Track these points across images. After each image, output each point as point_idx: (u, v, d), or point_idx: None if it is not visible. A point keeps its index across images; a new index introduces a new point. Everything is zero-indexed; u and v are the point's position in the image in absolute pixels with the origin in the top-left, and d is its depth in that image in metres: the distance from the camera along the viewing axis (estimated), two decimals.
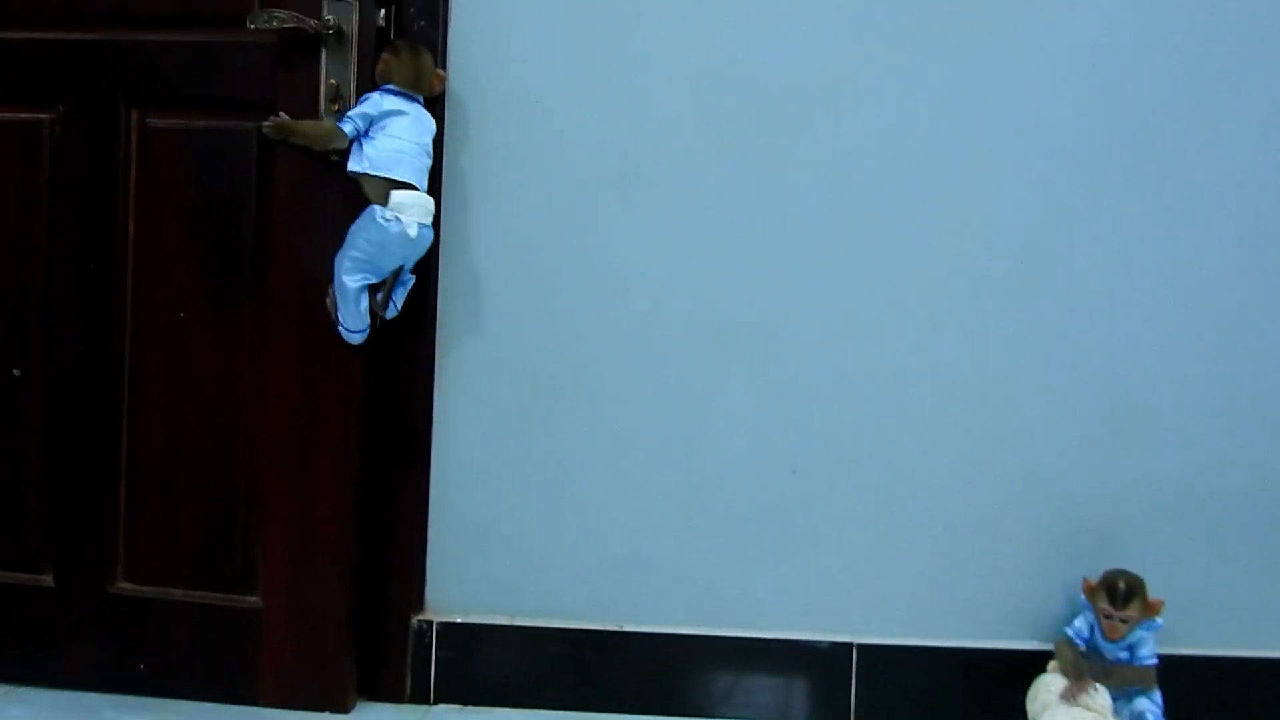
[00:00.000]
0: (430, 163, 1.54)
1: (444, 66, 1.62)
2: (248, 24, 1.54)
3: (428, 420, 1.66)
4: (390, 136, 1.49)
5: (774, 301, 1.61)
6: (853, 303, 1.60)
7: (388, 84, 1.52)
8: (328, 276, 1.53)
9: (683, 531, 1.64)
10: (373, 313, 1.55)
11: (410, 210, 1.48)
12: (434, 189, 1.61)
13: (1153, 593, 1.51)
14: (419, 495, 1.67)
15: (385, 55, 1.53)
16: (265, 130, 1.54)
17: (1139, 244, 1.58)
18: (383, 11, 1.56)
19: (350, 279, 1.51)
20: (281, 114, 1.54)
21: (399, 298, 1.58)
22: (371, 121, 1.49)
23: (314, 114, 1.56)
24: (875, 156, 1.59)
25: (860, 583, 1.63)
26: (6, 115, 1.68)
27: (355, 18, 1.55)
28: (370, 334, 1.55)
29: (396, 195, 1.48)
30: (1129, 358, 1.59)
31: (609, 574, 1.65)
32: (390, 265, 1.52)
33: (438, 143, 1.59)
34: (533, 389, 1.65)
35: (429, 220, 1.51)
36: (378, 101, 1.50)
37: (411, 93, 1.53)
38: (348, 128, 1.49)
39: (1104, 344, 1.58)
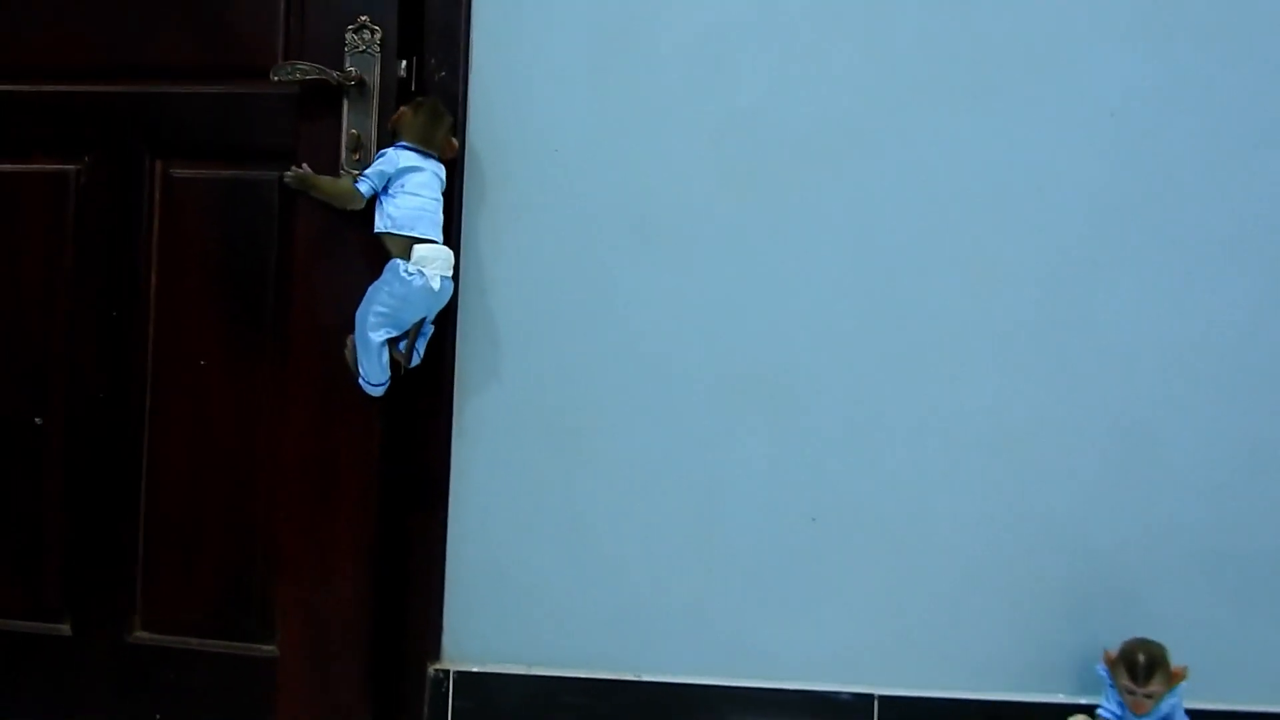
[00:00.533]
0: (442, 209, 1.54)
1: (464, 116, 1.64)
2: (271, 76, 1.56)
3: (445, 469, 1.66)
4: (410, 194, 1.50)
5: (792, 351, 1.61)
6: (872, 352, 1.60)
7: (400, 138, 1.53)
8: (348, 328, 1.54)
9: (701, 580, 1.63)
10: (395, 363, 1.55)
11: (434, 264, 1.50)
12: (453, 238, 1.62)
13: (1177, 646, 1.48)
14: (436, 544, 1.66)
15: (405, 108, 1.54)
16: (287, 181, 1.55)
17: (1161, 294, 1.57)
18: (404, 63, 1.58)
19: (375, 334, 1.51)
20: (304, 166, 1.55)
21: (420, 347, 1.59)
22: (389, 179, 1.50)
23: (335, 163, 1.57)
24: (894, 207, 1.59)
25: (881, 633, 1.61)
26: (35, 167, 1.71)
27: (377, 69, 1.56)
28: (391, 385, 1.55)
29: (420, 249, 1.49)
30: (1151, 408, 1.57)
31: (626, 623, 1.64)
32: (413, 318, 1.53)
33: (455, 192, 1.61)
34: (550, 438, 1.65)
35: (449, 272, 1.53)
36: (393, 159, 1.51)
37: (424, 150, 1.53)
38: (364, 187, 1.50)
39: (1126, 395, 1.57)
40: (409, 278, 1.49)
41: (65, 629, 1.69)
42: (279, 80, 1.55)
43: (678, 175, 1.62)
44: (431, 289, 1.50)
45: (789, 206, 1.60)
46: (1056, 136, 1.57)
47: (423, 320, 1.55)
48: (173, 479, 1.67)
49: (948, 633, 1.60)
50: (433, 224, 1.52)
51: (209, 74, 1.65)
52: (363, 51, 1.54)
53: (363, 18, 1.53)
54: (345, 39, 1.53)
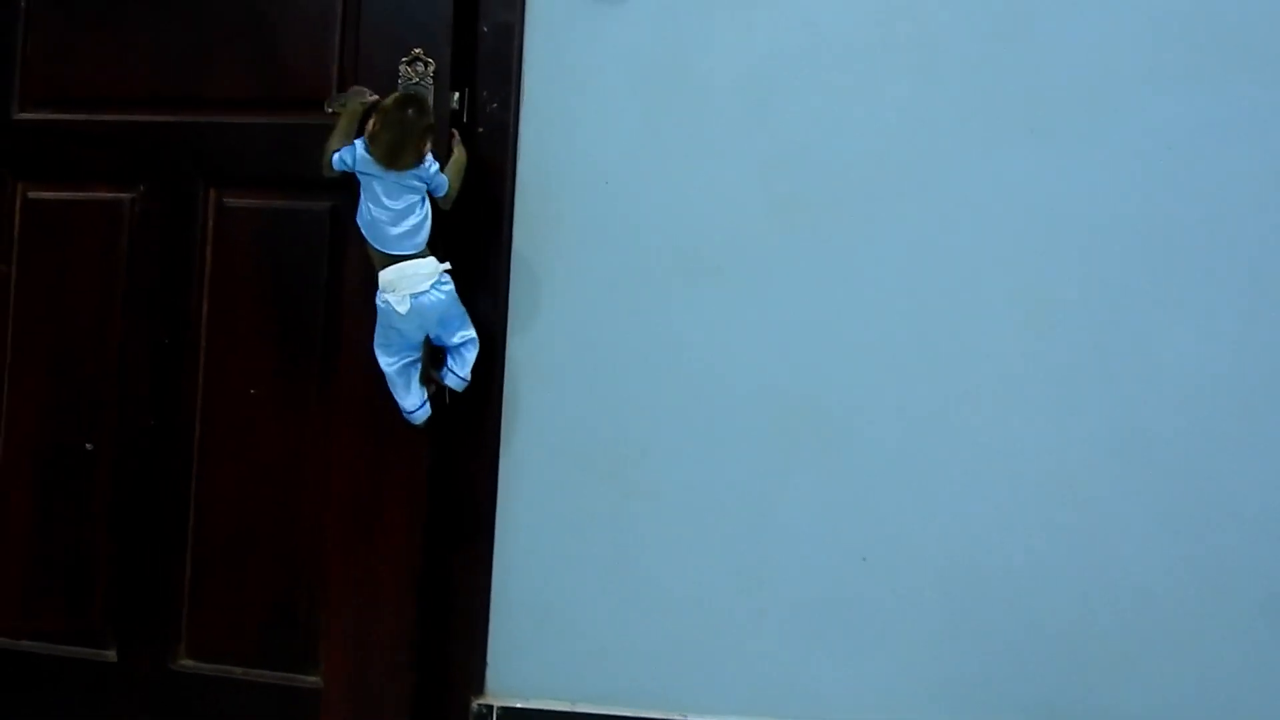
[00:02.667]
0: (425, 216, 1.44)
1: (515, 148, 1.63)
2: (325, 107, 1.56)
3: (491, 502, 1.65)
4: (368, 203, 1.43)
5: (844, 386, 1.59)
6: (925, 389, 1.57)
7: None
8: None
9: (749, 618, 1.60)
10: (439, 386, 1.54)
11: (399, 285, 1.43)
12: (501, 267, 1.63)
13: (1236, 694, 1.43)
14: (481, 578, 1.65)
15: (374, 115, 1.42)
16: (327, 106, 1.50)
17: (1223, 333, 1.53)
18: (456, 95, 1.58)
19: (382, 359, 1.50)
20: (359, 90, 1.49)
21: (459, 367, 1.55)
22: (354, 170, 1.43)
23: None
24: (945, 243, 1.56)
25: (932, 675, 1.58)
26: (90, 195, 1.73)
27: (430, 101, 1.56)
28: (437, 409, 1.55)
29: (384, 275, 1.43)
30: (1213, 454, 1.53)
31: (672, 661, 1.62)
32: (405, 341, 1.49)
33: (505, 222, 1.61)
34: (597, 472, 1.63)
35: (427, 285, 1.44)
36: (356, 155, 1.42)
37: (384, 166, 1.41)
38: (336, 161, 1.44)
39: (1186, 439, 1.53)
40: (381, 307, 1.45)
41: (111, 655, 1.70)
42: (332, 111, 1.56)
43: (728, 208, 1.60)
44: (397, 312, 1.44)
45: (840, 240, 1.59)
46: (1112, 172, 1.54)
47: (427, 340, 1.51)
48: (220, 507, 1.67)
49: (1000, 676, 1.56)
50: (388, 239, 1.42)
51: (263, 104, 1.67)
52: (416, 83, 1.55)
53: (416, 50, 1.54)
54: (399, 71, 1.53)
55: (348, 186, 1.58)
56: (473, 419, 1.63)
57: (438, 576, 1.63)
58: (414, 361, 1.52)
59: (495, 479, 1.65)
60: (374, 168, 1.42)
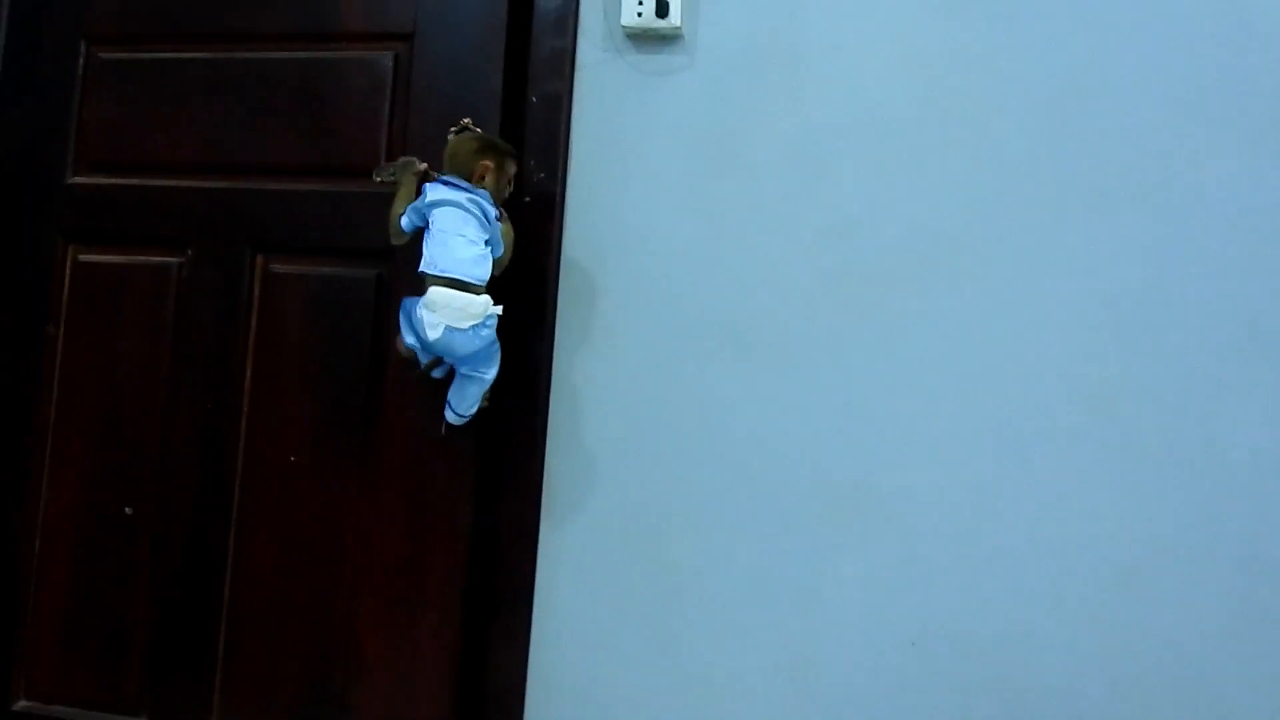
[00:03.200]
0: (490, 254, 1.44)
1: (562, 219, 1.63)
2: (374, 176, 1.57)
3: (530, 576, 1.62)
4: (438, 230, 1.43)
5: (892, 467, 1.55)
6: (978, 470, 1.53)
7: (444, 178, 1.47)
8: (438, 430, 1.52)
9: (794, 706, 1.56)
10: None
11: (441, 311, 1.41)
12: (545, 337, 1.61)
13: None
14: (518, 654, 1.61)
15: (485, 161, 1.47)
16: (376, 176, 1.54)
17: None
18: None
19: (405, 335, 1.47)
20: (407, 158, 1.53)
21: (458, 403, 1.51)
22: (423, 217, 1.46)
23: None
24: (1001, 319, 1.53)
25: None
26: (139, 259, 1.74)
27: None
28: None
29: (431, 291, 1.41)
30: None
31: None
32: (426, 349, 1.46)
33: (550, 294, 1.60)
34: (638, 550, 1.60)
35: (466, 325, 1.41)
36: (425, 194, 1.46)
37: (470, 185, 1.45)
38: (405, 223, 1.48)
39: (1255, 523, 1.47)
40: (419, 314, 1.42)
41: None
42: (380, 180, 1.57)
43: (777, 281, 1.58)
44: (427, 336, 1.42)
45: (891, 316, 1.56)
46: (1174, 249, 1.50)
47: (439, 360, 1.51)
48: (258, 575, 1.66)
49: None
50: (456, 261, 1.41)
51: (311, 172, 1.68)
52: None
53: (465, 120, 1.54)
54: (448, 140, 1.53)
55: (392, 255, 1.59)
56: (513, 491, 1.61)
57: (474, 652, 1.60)
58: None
59: (535, 553, 1.62)
60: (445, 192, 1.44)
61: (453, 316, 1.40)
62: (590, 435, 1.62)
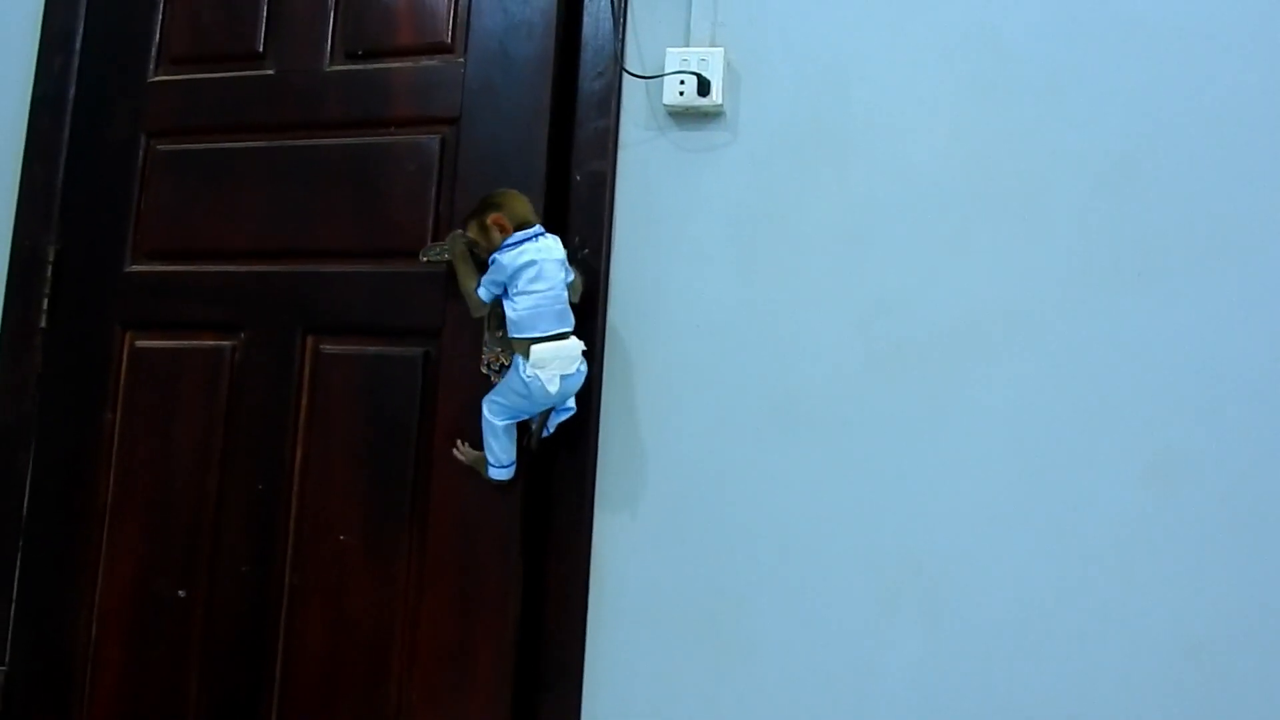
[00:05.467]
0: (567, 300, 1.51)
1: (606, 294, 1.64)
2: (420, 257, 1.60)
3: (580, 653, 1.60)
4: (524, 294, 1.48)
5: (949, 542, 1.51)
6: (1037, 547, 1.49)
7: (510, 232, 1.50)
8: (486, 512, 1.53)
9: None
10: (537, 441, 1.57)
11: (551, 365, 1.48)
12: (591, 412, 1.62)
13: None
14: None
15: (492, 216, 1.51)
16: (428, 255, 1.61)
17: None
18: None
19: (497, 420, 1.53)
20: (453, 236, 1.58)
21: (552, 423, 1.58)
22: (503, 285, 1.50)
23: (479, 343, 1.59)
24: (1055, 394, 1.50)
25: None
26: (193, 343, 1.77)
27: None
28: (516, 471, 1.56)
29: (536, 351, 1.47)
30: None
31: None
32: (533, 412, 1.54)
33: (595, 369, 1.61)
34: (688, 625, 1.57)
35: (572, 368, 1.49)
36: (504, 265, 1.49)
37: (530, 229, 1.51)
38: (484, 294, 1.52)
39: None
40: (528, 379, 1.48)
41: None
42: (427, 260, 1.59)
43: (824, 357, 1.57)
44: (548, 391, 1.48)
45: (942, 392, 1.53)
46: (1229, 321, 1.46)
47: (549, 410, 1.55)
48: (308, 656, 1.65)
49: None
50: (552, 317, 1.49)
51: (361, 255, 1.70)
52: None
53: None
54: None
55: (439, 333, 1.62)
56: (561, 570, 1.60)
57: None
58: (521, 421, 1.55)
59: (584, 630, 1.60)
60: (530, 252, 1.49)
61: (563, 366, 1.49)
62: (637, 512, 1.61)
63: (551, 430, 1.59)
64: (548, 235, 1.52)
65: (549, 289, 1.49)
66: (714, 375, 1.60)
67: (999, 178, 1.55)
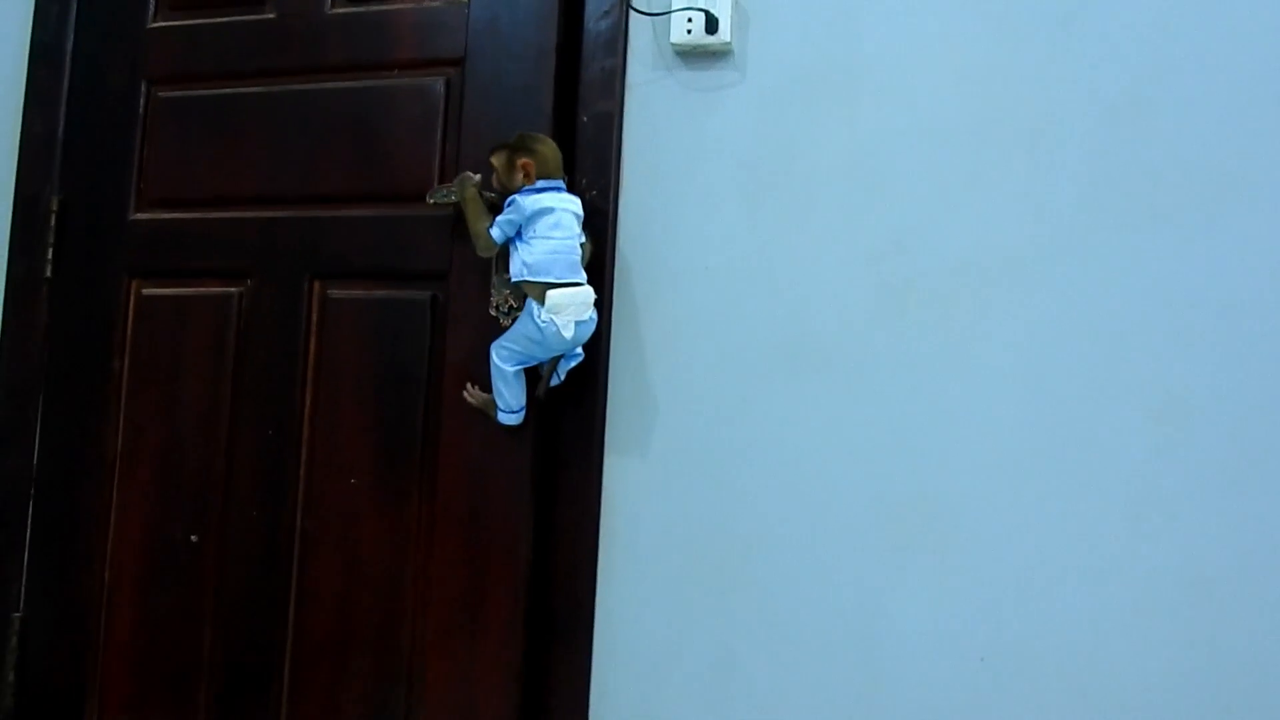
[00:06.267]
0: (581, 251, 1.52)
1: (614, 236, 1.63)
2: (427, 200, 1.59)
3: (591, 597, 1.61)
4: (542, 238, 1.48)
5: (957, 483, 1.51)
6: (1044, 488, 1.49)
7: (533, 181, 1.51)
8: (496, 453, 1.53)
9: None
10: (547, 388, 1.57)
11: (566, 310, 1.48)
12: (600, 356, 1.62)
13: None
14: (580, 679, 1.60)
15: (523, 159, 1.51)
16: (435, 197, 1.58)
17: None
18: None
19: (507, 366, 1.53)
20: (469, 174, 1.56)
21: (562, 370, 1.58)
22: (520, 227, 1.50)
23: (486, 284, 1.59)
24: (1066, 334, 1.49)
25: None
26: (200, 290, 1.78)
27: None
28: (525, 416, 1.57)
29: (553, 295, 1.47)
30: None
31: None
32: (545, 357, 1.54)
33: (604, 313, 1.60)
34: (699, 567, 1.58)
35: (586, 315, 1.50)
36: (523, 206, 1.49)
37: (554, 181, 1.52)
38: (496, 234, 1.51)
39: None
40: (543, 324, 1.48)
41: None
42: (434, 203, 1.58)
43: (834, 297, 1.57)
44: (563, 336, 1.49)
45: (953, 331, 1.53)
46: (1241, 256, 1.45)
47: (559, 356, 1.55)
48: (321, 600, 1.66)
49: None
50: (568, 265, 1.49)
51: (367, 199, 1.70)
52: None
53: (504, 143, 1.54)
54: (493, 162, 1.54)
55: (446, 276, 1.62)
56: (571, 512, 1.61)
57: (536, 675, 1.59)
58: (530, 366, 1.55)
59: (594, 573, 1.61)
60: (549, 199, 1.49)
61: (578, 312, 1.49)
62: (648, 455, 1.61)
63: (562, 378, 1.59)
64: (569, 192, 1.52)
65: (566, 238, 1.49)
66: (723, 317, 1.60)
67: (1009, 115, 1.53)
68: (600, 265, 1.61)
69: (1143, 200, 1.49)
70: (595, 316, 1.52)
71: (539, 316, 1.48)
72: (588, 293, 1.50)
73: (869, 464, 1.54)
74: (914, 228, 1.55)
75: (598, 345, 1.61)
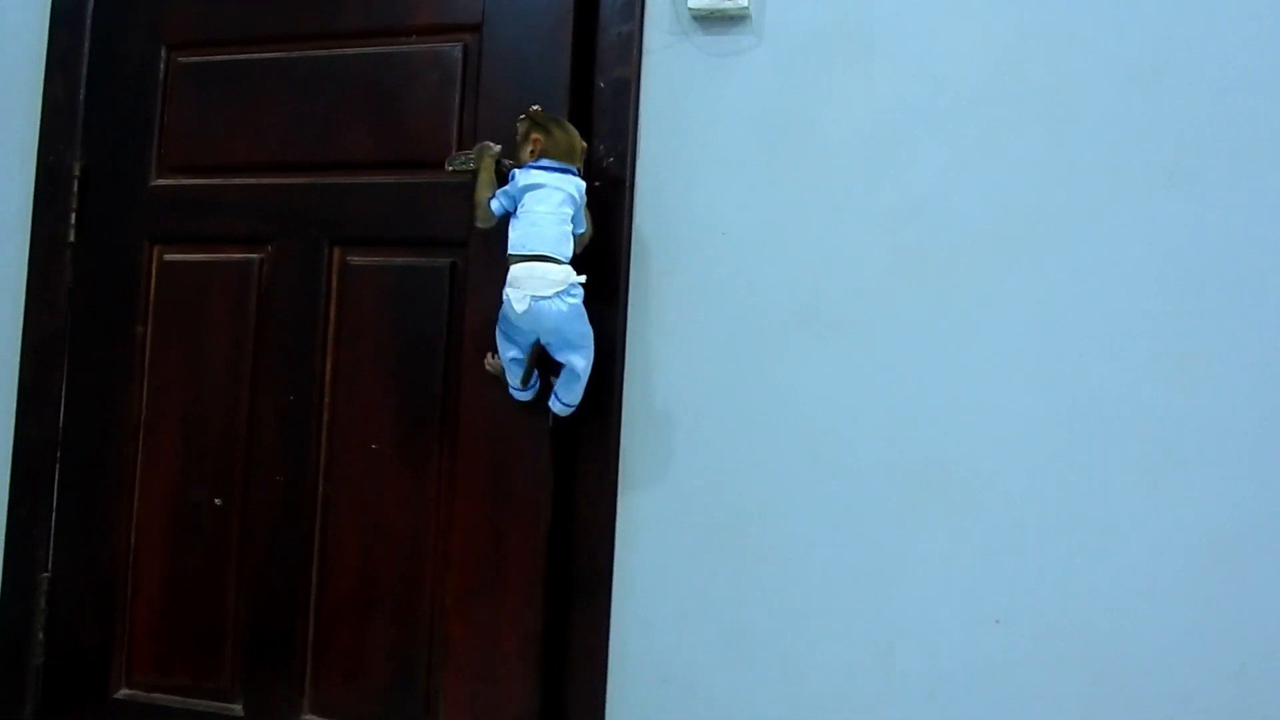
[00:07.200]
0: (573, 230, 1.49)
1: (631, 201, 1.64)
2: (445, 167, 1.59)
3: (609, 560, 1.63)
4: (527, 212, 1.48)
5: (974, 444, 1.52)
6: (1062, 447, 1.50)
7: (541, 161, 1.50)
8: (516, 417, 1.57)
9: (877, 684, 1.54)
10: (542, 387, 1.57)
11: (524, 284, 1.45)
12: (617, 321, 1.62)
13: None
14: (599, 636, 1.62)
15: (535, 135, 1.51)
16: (453, 164, 1.57)
17: None
18: None
19: (500, 347, 1.54)
20: (487, 145, 1.56)
21: (565, 394, 1.54)
22: (515, 201, 1.49)
23: (504, 250, 1.59)
24: (1082, 295, 1.49)
25: None
26: (221, 256, 1.79)
27: None
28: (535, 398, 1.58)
29: (513, 269, 1.46)
30: None
31: None
32: (520, 338, 1.52)
33: (622, 276, 1.61)
34: (717, 531, 1.60)
35: (551, 292, 1.44)
36: (516, 180, 1.49)
37: (563, 164, 1.50)
38: (495, 206, 1.50)
39: None
40: (505, 298, 1.47)
41: (238, 709, 1.73)
42: (453, 170, 1.59)
43: (850, 261, 1.57)
44: (516, 310, 1.45)
45: (969, 294, 1.53)
46: (1259, 218, 1.45)
47: (537, 343, 1.52)
48: (343, 563, 1.69)
49: None
50: (543, 239, 1.45)
51: (386, 166, 1.70)
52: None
53: (534, 108, 1.54)
54: (517, 128, 1.54)
55: (466, 243, 1.62)
56: (590, 474, 1.62)
57: (555, 638, 1.61)
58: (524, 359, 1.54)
59: (613, 537, 1.63)
60: (540, 175, 1.48)
61: (535, 286, 1.45)
62: (665, 418, 1.63)
63: (574, 406, 1.55)
64: (576, 175, 1.51)
65: (547, 213, 1.47)
66: (740, 282, 1.60)
67: (1027, 79, 1.53)
68: (619, 229, 1.62)
69: (1161, 165, 1.48)
70: (571, 303, 1.46)
71: (505, 290, 1.47)
72: (552, 269, 1.45)
73: (885, 428, 1.55)
74: (931, 192, 1.55)
75: (615, 308, 1.61)
